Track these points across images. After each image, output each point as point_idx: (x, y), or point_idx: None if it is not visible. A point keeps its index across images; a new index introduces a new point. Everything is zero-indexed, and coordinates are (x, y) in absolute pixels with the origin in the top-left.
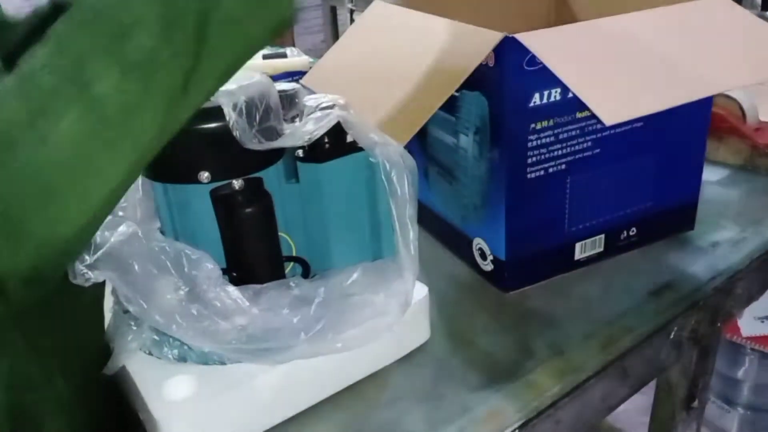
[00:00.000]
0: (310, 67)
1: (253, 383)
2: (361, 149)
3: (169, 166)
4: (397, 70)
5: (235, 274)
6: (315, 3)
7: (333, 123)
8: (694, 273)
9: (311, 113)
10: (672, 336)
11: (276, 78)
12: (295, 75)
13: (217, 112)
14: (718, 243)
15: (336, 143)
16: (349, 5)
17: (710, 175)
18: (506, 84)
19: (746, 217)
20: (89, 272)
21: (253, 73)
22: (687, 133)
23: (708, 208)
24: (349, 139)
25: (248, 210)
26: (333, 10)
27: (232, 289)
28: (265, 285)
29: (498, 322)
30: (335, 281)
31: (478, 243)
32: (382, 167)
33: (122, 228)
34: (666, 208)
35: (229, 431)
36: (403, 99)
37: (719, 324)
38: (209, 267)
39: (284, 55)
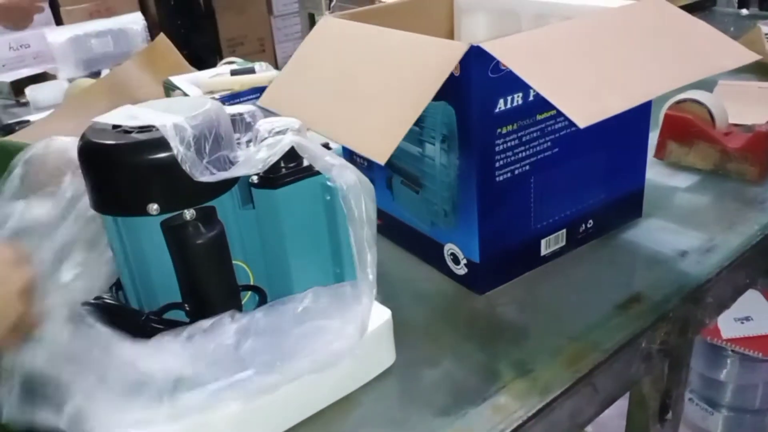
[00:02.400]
0: None
1: (212, 415)
2: (317, 173)
3: (118, 199)
4: (361, 86)
5: (188, 308)
6: (293, 10)
7: (287, 149)
8: (661, 284)
9: (264, 139)
10: (641, 349)
11: (243, 94)
12: (262, 90)
13: (164, 143)
14: (687, 252)
15: (292, 167)
16: (327, 12)
17: (680, 181)
18: (473, 92)
19: (715, 224)
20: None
21: (204, 99)
22: (632, 127)
23: (676, 216)
24: (305, 163)
25: (199, 242)
26: (311, 17)
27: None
28: (201, 323)
29: (466, 340)
30: (284, 309)
31: (450, 248)
32: (339, 190)
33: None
34: (617, 198)
35: None
36: (373, 116)
37: (690, 334)
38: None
39: (252, 71)
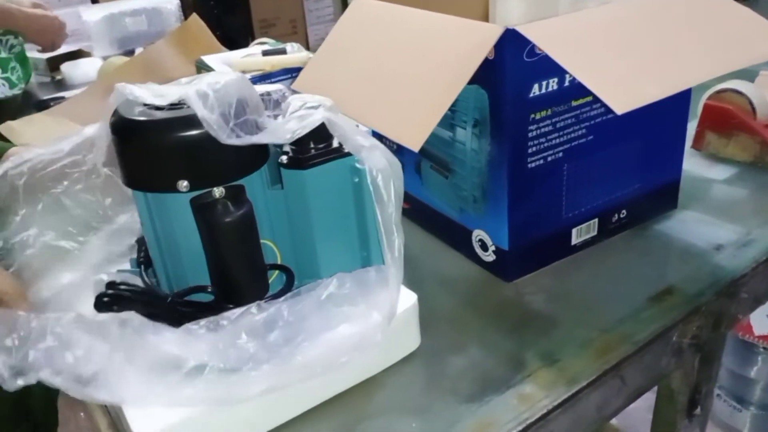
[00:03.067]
0: None
1: (236, 396)
2: (346, 154)
3: (148, 175)
4: (394, 69)
5: (214, 289)
6: None
7: (317, 123)
8: (696, 277)
9: (295, 111)
10: (672, 343)
11: (274, 75)
12: (293, 72)
13: (195, 120)
14: (722, 245)
15: (321, 148)
16: None
17: (717, 173)
18: (507, 76)
19: (753, 218)
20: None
21: (226, 72)
22: (670, 115)
23: (713, 208)
24: (334, 144)
25: (227, 219)
26: (344, 0)
27: (173, 336)
28: (228, 313)
29: (492, 328)
30: (309, 297)
31: (479, 235)
32: (368, 172)
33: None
34: (652, 189)
35: None
36: (406, 101)
37: (723, 329)
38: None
39: (283, 51)
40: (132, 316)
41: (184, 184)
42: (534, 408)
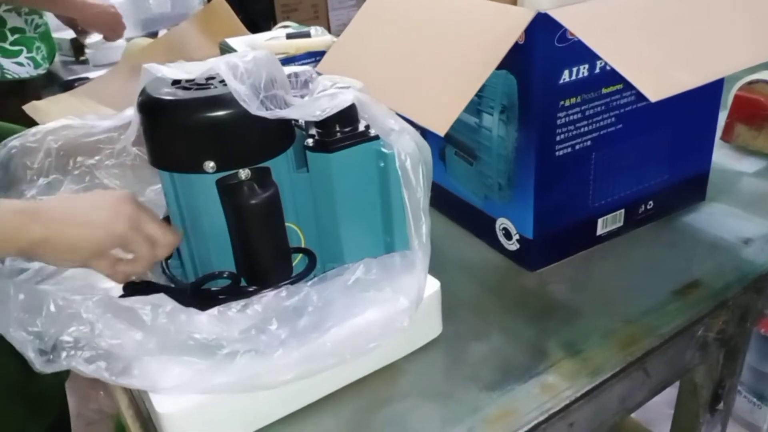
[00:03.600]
0: None
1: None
2: (372, 138)
3: (175, 155)
4: (422, 53)
5: (230, 274)
6: None
7: (348, 103)
8: (723, 270)
9: (324, 91)
10: (697, 337)
11: (298, 58)
12: (317, 55)
13: (223, 100)
14: (751, 239)
15: (348, 132)
16: None
17: (747, 165)
18: (537, 62)
19: None
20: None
21: (254, 50)
22: (702, 104)
23: (741, 201)
24: (360, 127)
25: (253, 201)
26: None
27: (205, 320)
28: (254, 298)
29: (515, 317)
30: (336, 282)
31: (503, 223)
32: (396, 156)
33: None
34: (681, 180)
35: (236, 424)
36: (434, 85)
37: (749, 324)
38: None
39: (308, 35)
40: (162, 300)
41: (210, 165)
42: (557, 398)
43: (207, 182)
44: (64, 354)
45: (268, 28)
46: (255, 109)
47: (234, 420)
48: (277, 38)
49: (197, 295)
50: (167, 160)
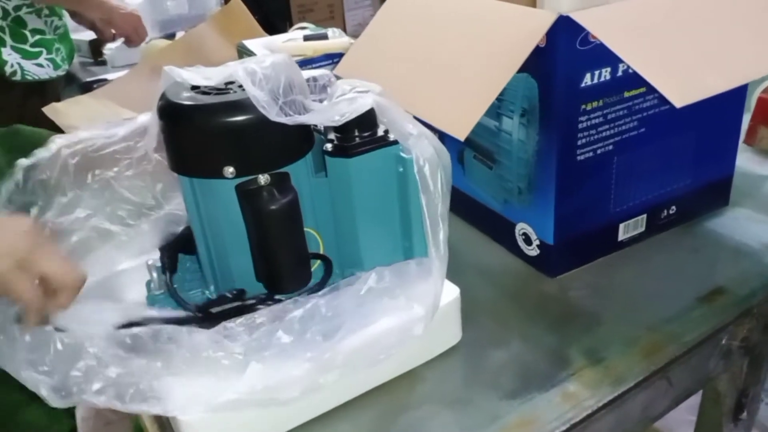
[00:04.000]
0: None
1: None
2: (391, 143)
3: (195, 160)
4: (441, 56)
5: (259, 276)
6: None
7: (367, 107)
8: (747, 277)
9: (343, 95)
10: (721, 345)
11: (316, 60)
12: (335, 57)
13: (242, 105)
14: None
15: (366, 137)
16: None
17: None
18: (559, 65)
19: None
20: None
21: (272, 54)
22: (726, 108)
23: (765, 206)
24: (379, 132)
25: (272, 207)
26: None
27: (209, 336)
28: (263, 311)
29: (535, 324)
30: (347, 292)
31: (523, 228)
32: (415, 161)
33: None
34: (704, 184)
35: (255, 430)
36: (453, 89)
37: None
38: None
39: (325, 37)
40: (163, 327)
41: (230, 170)
42: (579, 407)
43: (226, 187)
44: (75, 389)
45: (284, 28)
46: (274, 115)
47: (252, 427)
48: (294, 40)
49: (205, 318)
50: (187, 165)
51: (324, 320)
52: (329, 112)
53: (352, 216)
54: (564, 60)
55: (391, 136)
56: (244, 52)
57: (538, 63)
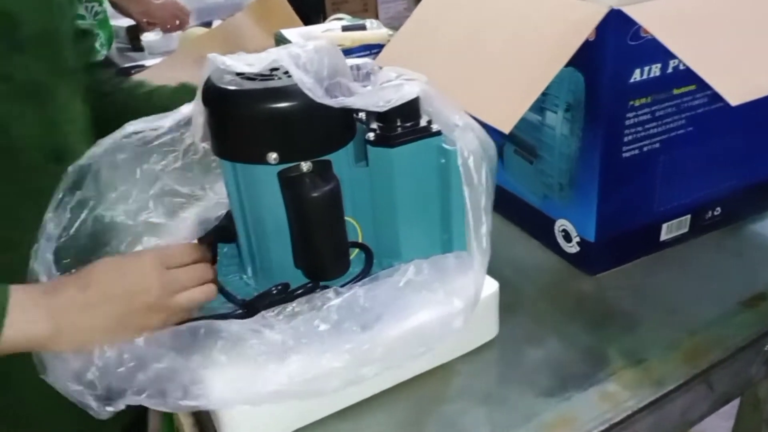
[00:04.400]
0: (389, 41)
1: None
2: (434, 134)
3: (238, 145)
4: (486, 48)
5: (298, 264)
6: None
7: (414, 94)
8: None
9: (389, 81)
10: (764, 351)
11: (354, 51)
12: (373, 48)
13: (288, 91)
14: None
15: (409, 127)
16: None
17: None
18: (608, 60)
19: None
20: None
21: (312, 41)
22: None
23: None
24: (422, 122)
25: (314, 194)
26: None
27: (246, 327)
28: (303, 300)
29: (572, 322)
30: (386, 283)
31: (562, 224)
32: (459, 153)
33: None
34: (750, 186)
35: (290, 417)
36: (498, 81)
37: None
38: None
39: (363, 27)
40: (200, 323)
41: (273, 156)
42: (618, 408)
43: (269, 173)
44: (118, 392)
45: (317, 21)
46: (320, 97)
47: (288, 414)
48: (331, 30)
49: (251, 313)
50: (230, 150)
51: (363, 311)
52: (374, 97)
53: (391, 206)
54: (613, 55)
55: (435, 127)
56: (281, 41)
57: (585, 57)
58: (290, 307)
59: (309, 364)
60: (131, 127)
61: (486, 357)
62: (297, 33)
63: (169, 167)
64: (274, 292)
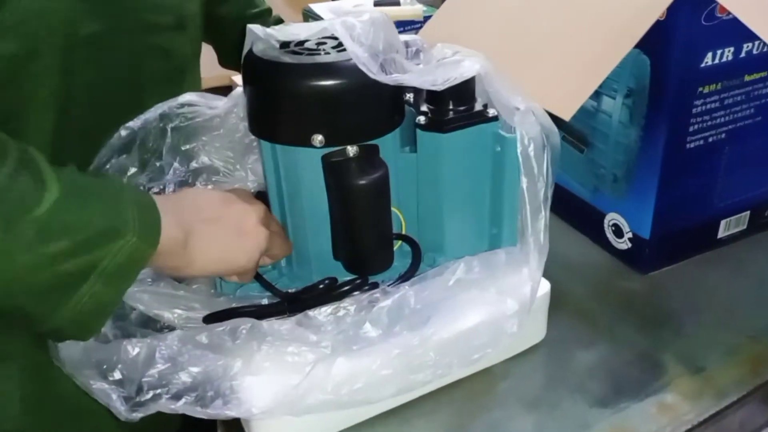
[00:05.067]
0: (424, 17)
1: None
2: (490, 119)
3: (281, 125)
4: (541, 28)
5: (338, 254)
6: None
7: (474, 72)
8: None
9: (445, 58)
10: None
11: None
12: (407, 25)
13: (338, 68)
14: None
15: (462, 111)
16: None
17: None
18: (678, 42)
19: None
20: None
21: (367, 11)
22: None
23: None
24: (477, 107)
25: (361, 181)
26: None
27: (291, 329)
28: (346, 301)
29: (623, 323)
30: (435, 282)
31: (613, 219)
32: (519, 141)
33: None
34: None
35: (327, 422)
36: (557, 64)
37: None
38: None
39: (397, 3)
40: (241, 322)
41: (318, 139)
42: (678, 421)
43: (312, 157)
44: (150, 395)
45: None
46: (374, 73)
47: (325, 418)
48: (362, 6)
49: (293, 307)
50: (272, 130)
51: (412, 313)
52: (432, 75)
53: (438, 197)
54: (684, 36)
55: (491, 112)
56: (310, 17)
57: (653, 38)
58: (337, 306)
59: (358, 372)
60: (188, 97)
61: (533, 359)
62: (326, 8)
63: (213, 145)
64: (321, 286)
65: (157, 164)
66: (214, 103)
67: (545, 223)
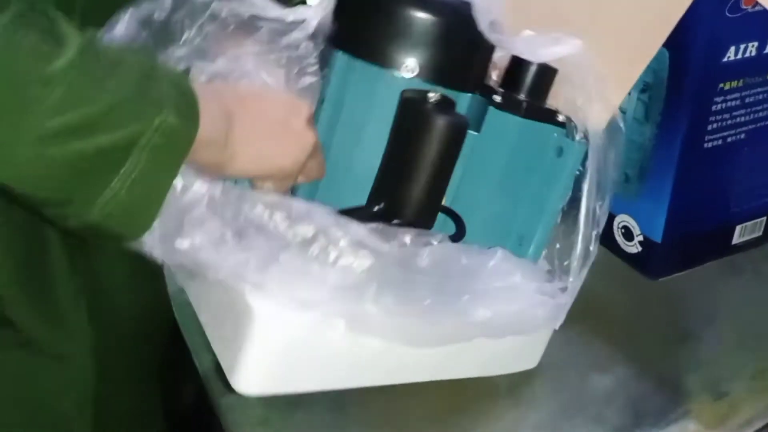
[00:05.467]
0: None
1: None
2: (558, 123)
3: (376, 39)
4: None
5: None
6: None
7: (575, 49)
8: None
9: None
10: None
11: None
12: None
13: (452, 6)
14: None
15: (535, 104)
16: None
17: None
18: (701, 34)
19: None
20: None
21: None
22: None
23: None
24: (547, 105)
25: (442, 121)
26: None
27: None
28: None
29: (638, 339)
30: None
31: (623, 220)
32: (579, 149)
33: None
34: None
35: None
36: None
37: None
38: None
39: None
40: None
41: (410, 66)
42: None
43: (390, 86)
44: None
45: None
46: (488, 29)
47: (326, 373)
48: None
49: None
50: (364, 43)
51: (450, 277)
52: (532, 44)
53: (485, 182)
54: (708, 28)
55: (561, 117)
56: None
57: (674, 30)
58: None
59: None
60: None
61: (538, 384)
62: None
63: (263, 54)
64: (375, 209)
65: (198, 42)
66: (274, 7)
67: (596, 236)
